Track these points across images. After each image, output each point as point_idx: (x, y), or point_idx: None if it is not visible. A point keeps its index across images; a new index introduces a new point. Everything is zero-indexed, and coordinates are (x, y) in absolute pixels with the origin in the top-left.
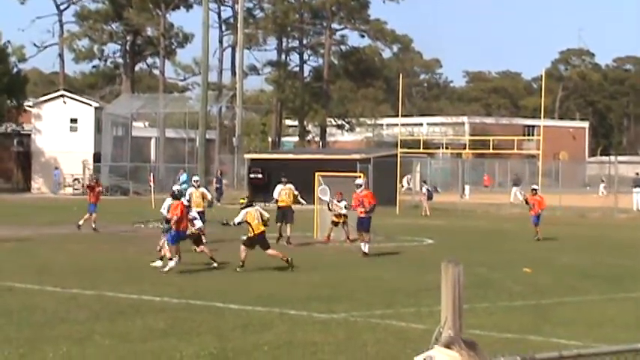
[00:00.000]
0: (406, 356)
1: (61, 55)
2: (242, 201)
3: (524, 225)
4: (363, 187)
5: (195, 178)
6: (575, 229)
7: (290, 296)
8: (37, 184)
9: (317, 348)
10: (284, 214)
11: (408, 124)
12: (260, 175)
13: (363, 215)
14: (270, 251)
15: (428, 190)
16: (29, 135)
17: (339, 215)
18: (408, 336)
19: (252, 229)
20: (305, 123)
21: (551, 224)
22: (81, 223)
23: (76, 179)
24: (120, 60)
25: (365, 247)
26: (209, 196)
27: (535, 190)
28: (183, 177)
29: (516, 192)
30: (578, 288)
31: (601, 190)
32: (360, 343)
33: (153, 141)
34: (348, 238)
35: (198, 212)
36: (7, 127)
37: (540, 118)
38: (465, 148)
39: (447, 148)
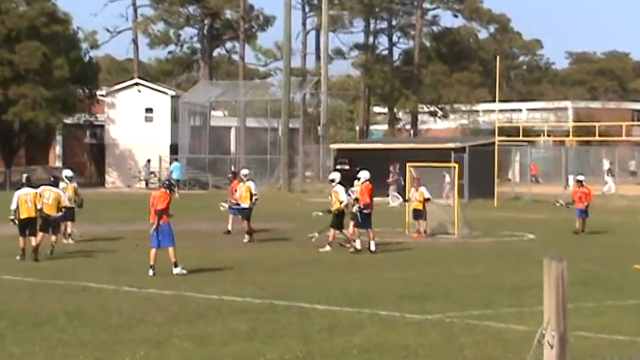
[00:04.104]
0: None
1: (135, 41)
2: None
3: (634, 217)
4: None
5: (244, 171)
6: None
7: (381, 295)
8: (112, 177)
9: (410, 351)
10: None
11: (506, 110)
12: (347, 167)
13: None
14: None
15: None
16: (102, 126)
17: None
18: (509, 338)
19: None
20: (395, 110)
21: None
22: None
23: (152, 172)
24: (197, 45)
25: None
26: (254, 191)
27: (581, 181)
28: (175, 166)
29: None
30: None
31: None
32: (456, 346)
33: (233, 131)
34: (425, 231)
35: (243, 208)
36: (79, 118)
37: None
38: (568, 136)
39: (548, 135)
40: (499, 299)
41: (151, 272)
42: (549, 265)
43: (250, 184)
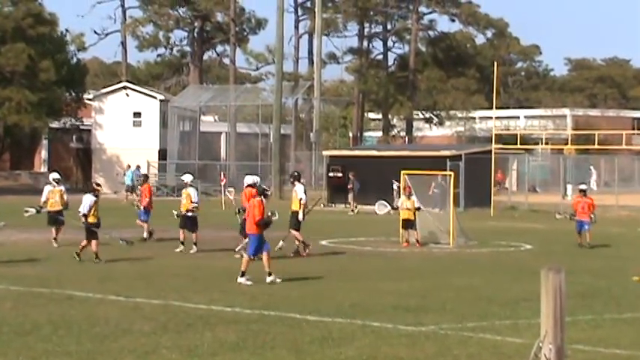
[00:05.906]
0: None
1: (123, 43)
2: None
3: (634, 228)
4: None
5: (187, 177)
6: None
7: (373, 306)
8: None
9: None
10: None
11: (503, 117)
12: (340, 174)
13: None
14: None
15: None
16: (89, 130)
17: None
18: (504, 351)
19: None
20: (389, 116)
21: None
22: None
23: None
24: (187, 48)
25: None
26: (194, 198)
27: (584, 191)
28: (129, 173)
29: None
30: None
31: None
32: (450, 359)
33: (223, 136)
34: (418, 240)
35: (185, 216)
36: (65, 122)
37: None
38: (566, 144)
39: (546, 143)
40: (495, 311)
41: (243, 279)
42: (547, 277)
43: (191, 190)
